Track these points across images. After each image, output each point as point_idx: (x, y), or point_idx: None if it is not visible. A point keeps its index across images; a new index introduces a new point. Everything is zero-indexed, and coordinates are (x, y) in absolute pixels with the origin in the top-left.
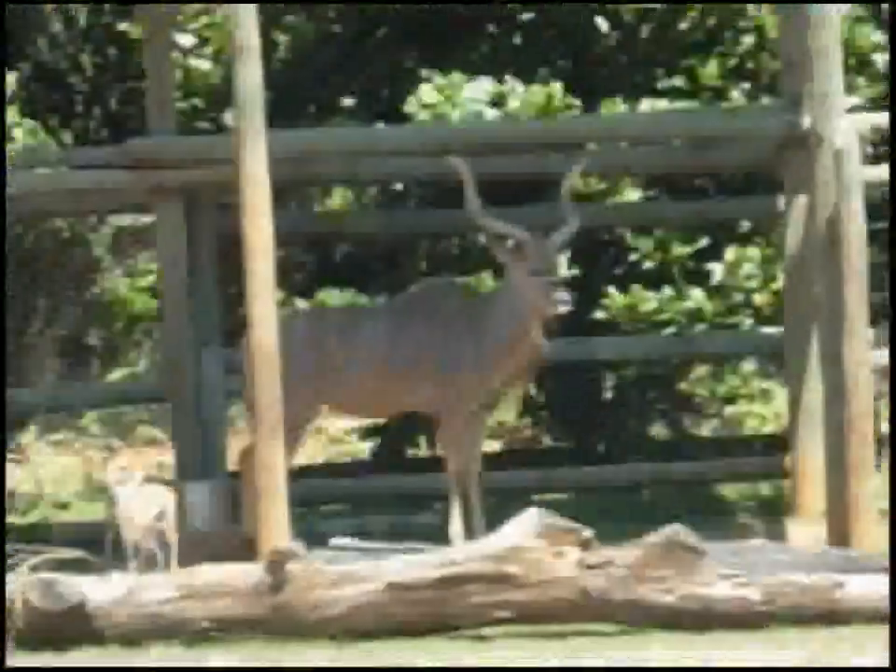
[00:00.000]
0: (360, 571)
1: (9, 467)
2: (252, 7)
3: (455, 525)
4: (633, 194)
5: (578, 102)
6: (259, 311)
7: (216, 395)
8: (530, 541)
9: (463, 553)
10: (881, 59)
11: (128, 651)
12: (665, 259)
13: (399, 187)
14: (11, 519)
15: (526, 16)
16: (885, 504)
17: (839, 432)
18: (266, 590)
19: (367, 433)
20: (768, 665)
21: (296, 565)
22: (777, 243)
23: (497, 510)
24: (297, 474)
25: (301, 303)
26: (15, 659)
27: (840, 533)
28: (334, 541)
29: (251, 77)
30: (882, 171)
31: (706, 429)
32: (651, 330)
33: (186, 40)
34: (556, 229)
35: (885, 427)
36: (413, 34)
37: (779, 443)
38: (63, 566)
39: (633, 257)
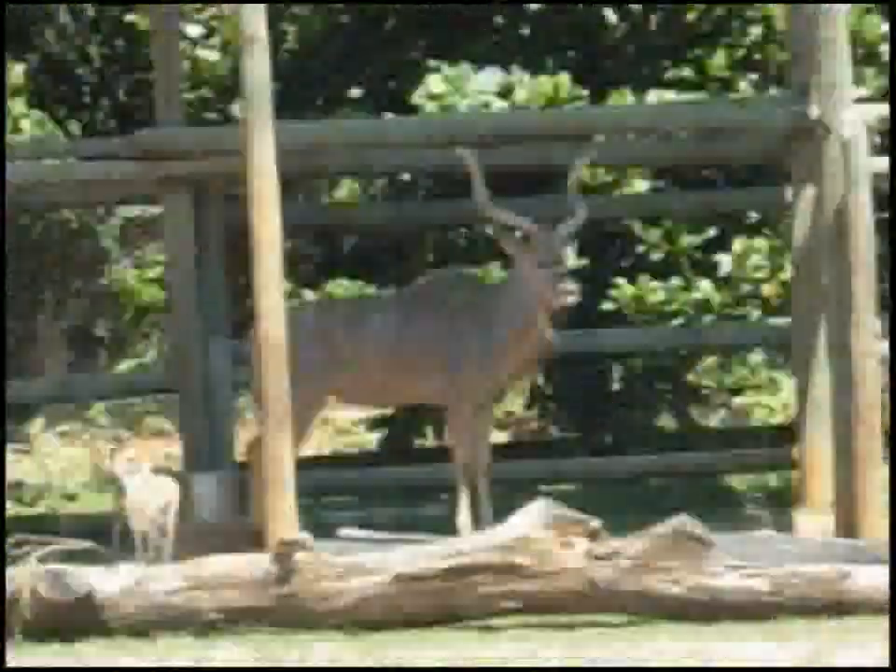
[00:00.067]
0: (368, 562)
1: (17, 458)
2: None
3: (463, 516)
4: (640, 185)
5: (585, 93)
6: (267, 303)
7: (223, 386)
8: (538, 532)
9: (470, 543)
10: (889, 50)
11: (136, 641)
12: (672, 251)
13: (406, 178)
14: (19, 510)
15: (534, 7)
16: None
17: (847, 423)
18: (273, 581)
19: (374, 424)
20: (771, 665)
21: (303, 556)
22: (784, 234)
23: (505, 500)
24: (304, 465)
25: (309, 295)
26: (23, 650)
27: (848, 524)
28: (342, 532)
29: (259, 69)
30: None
31: (713, 421)
32: (659, 322)
33: (193, 31)
34: (564, 220)
35: None
36: (420, 25)
37: (787, 434)
38: (70, 557)
39: (640, 248)
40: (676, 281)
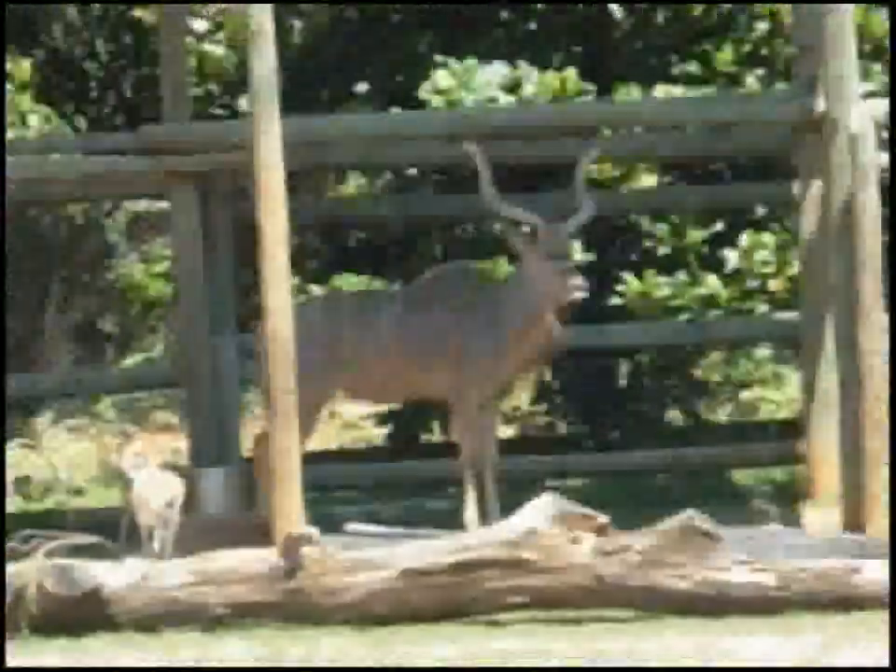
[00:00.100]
0: (375, 557)
1: (24, 452)
2: None
3: (470, 511)
4: (647, 180)
5: (592, 88)
6: (274, 297)
7: (230, 381)
8: (545, 527)
9: (477, 538)
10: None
11: (142, 636)
12: (679, 246)
13: (413, 173)
14: (26, 505)
15: (541, 2)
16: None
17: (853, 418)
18: (280, 576)
19: (381, 419)
20: (780, 659)
21: (310, 551)
22: (791, 228)
23: (512, 496)
24: (311, 460)
25: (316, 290)
26: (30, 645)
27: (855, 518)
28: (349, 527)
29: (265, 64)
30: None
31: (720, 415)
32: (666, 316)
33: (200, 26)
34: (571, 215)
35: None
36: (427, 19)
37: (794, 429)
38: (77, 551)
39: (647, 243)
40: (683, 276)
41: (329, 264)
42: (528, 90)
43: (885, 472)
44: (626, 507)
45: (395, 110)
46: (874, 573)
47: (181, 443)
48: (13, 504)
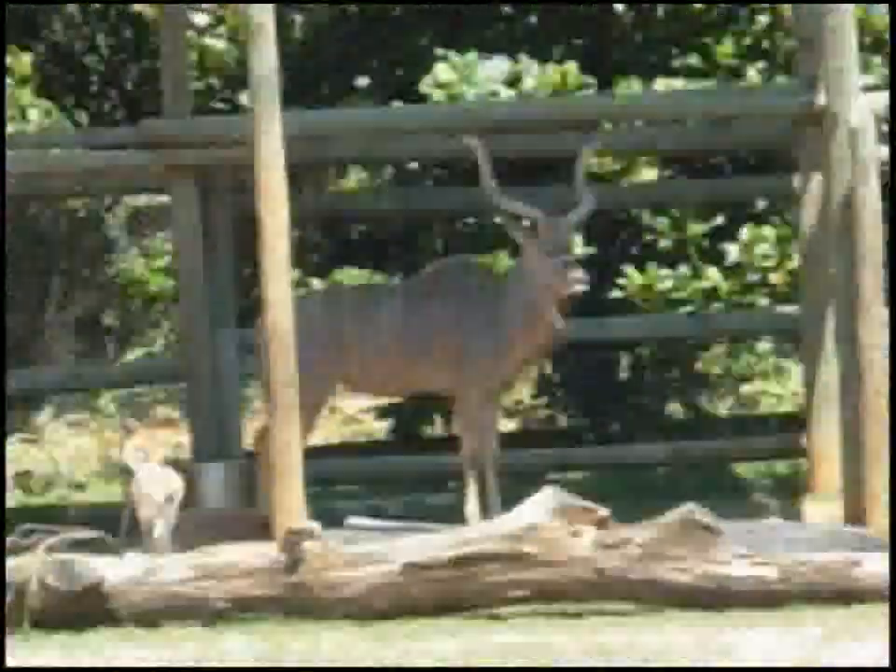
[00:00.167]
0: (376, 551)
1: (25, 447)
2: None
3: (471, 505)
4: (648, 173)
5: (593, 81)
6: (275, 292)
7: (231, 375)
8: (546, 521)
9: (479, 532)
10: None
11: (144, 631)
12: (680, 239)
13: (414, 166)
14: (27, 500)
15: None
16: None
17: (853, 412)
18: (282, 570)
19: (382, 413)
20: (781, 650)
21: (311, 545)
22: (792, 222)
23: (513, 489)
24: (312, 454)
25: (317, 284)
26: (31, 640)
27: (856, 512)
28: (350, 521)
29: (266, 58)
30: None
31: (722, 409)
32: (667, 309)
33: (201, 20)
34: (572, 209)
35: None
36: (428, 13)
37: (795, 422)
38: (78, 546)
39: (648, 236)
40: (684, 269)
41: (329, 258)
42: (529, 83)
43: (885, 466)
44: (627, 500)
45: (396, 104)
46: (874, 566)
47: (182, 438)
48: (14, 499)
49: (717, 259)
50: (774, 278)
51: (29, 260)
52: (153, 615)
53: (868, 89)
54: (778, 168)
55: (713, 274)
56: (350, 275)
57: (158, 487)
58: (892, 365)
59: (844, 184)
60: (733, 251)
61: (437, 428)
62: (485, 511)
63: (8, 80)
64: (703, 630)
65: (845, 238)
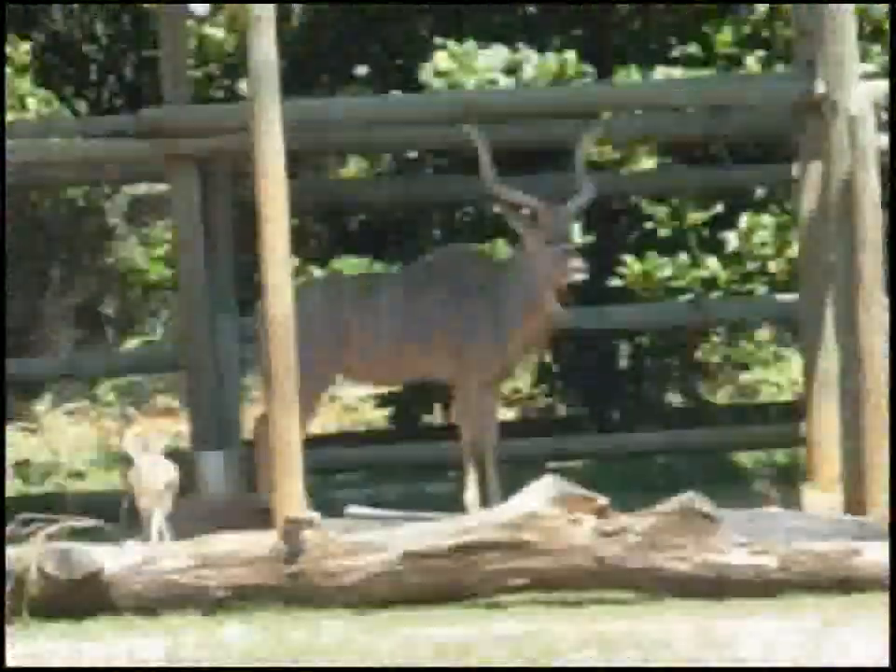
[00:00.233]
0: (375, 540)
1: (24, 435)
2: None
3: (471, 494)
4: (647, 162)
5: (592, 70)
6: (274, 281)
7: (231, 363)
8: (545, 509)
9: (478, 521)
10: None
11: (143, 619)
12: (679, 227)
13: (413, 155)
14: (26, 488)
15: None
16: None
17: (853, 399)
18: (281, 559)
19: (381, 401)
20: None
21: (311, 534)
22: (791, 210)
23: (513, 478)
24: (311, 443)
25: (317, 272)
26: (30, 628)
27: (856, 501)
28: (349, 510)
29: (265, 48)
30: None
31: (721, 397)
32: (667, 298)
33: (200, 8)
34: (571, 197)
35: None
36: (426, 2)
37: (795, 411)
38: (77, 535)
39: (648, 224)
40: (683, 257)
41: (329, 246)
42: (528, 72)
43: (885, 454)
44: (626, 489)
45: (395, 93)
46: (874, 555)
47: (181, 426)
48: (13, 487)
49: (716, 247)
50: (773, 266)
51: (28, 249)
52: (152, 604)
53: (867, 77)
54: (778, 156)
55: (712, 263)
56: (349, 264)
57: (157, 476)
58: (892, 353)
59: (843, 172)
60: (732, 239)
61: (436, 417)
62: (485, 500)
63: (7, 69)
64: (702, 619)
65: (844, 226)
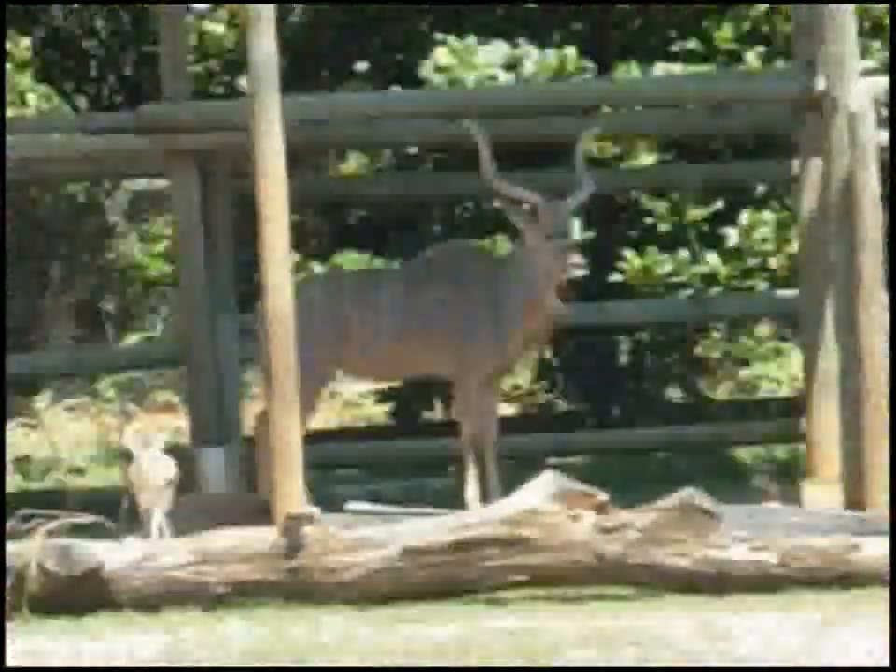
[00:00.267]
0: (376, 536)
1: (25, 432)
2: None
3: (471, 490)
4: (648, 158)
5: (592, 65)
6: (274, 277)
7: (231, 360)
8: (545, 505)
9: (478, 517)
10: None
11: (143, 616)
12: (679, 223)
13: (413, 151)
14: (26, 484)
15: None
16: None
17: (853, 396)
18: (281, 555)
19: (382, 397)
20: (781, 633)
21: (311, 530)
22: (791, 206)
23: (513, 474)
24: (312, 438)
25: (317, 267)
26: (30, 624)
27: (855, 496)
28: (349, 506)
29: (265, 45)
30: None
31: (721, 393)
32: (667, 294)
33: (200, 4)
34: (571, 193)
35: None
36: (428, 1)
37: (795, 407)
38: (78, 531)
39: (648, 220)
40: (683, 253)
41: (329, 242)
42: (528, 68)
43: (885, 450)
44: (627, 485)
45: (395, 89)
46: (874, 550)
47: (182, 423)
48: (13, 484)
49: (716, 243)
50: (773, 262)
51: (28, 245)
52: (153, 600)
53: (867, 73)
54: (778, 152)
55: (712, 259)
56: (350, 259)
57: (158, 472)
58: (892, 350)
59: (843, 168)
60: (732, 235)
61: (437, 413)
62: (485, 496)
63: (8, 65)
64: (702, 614)
65: (844, 222)
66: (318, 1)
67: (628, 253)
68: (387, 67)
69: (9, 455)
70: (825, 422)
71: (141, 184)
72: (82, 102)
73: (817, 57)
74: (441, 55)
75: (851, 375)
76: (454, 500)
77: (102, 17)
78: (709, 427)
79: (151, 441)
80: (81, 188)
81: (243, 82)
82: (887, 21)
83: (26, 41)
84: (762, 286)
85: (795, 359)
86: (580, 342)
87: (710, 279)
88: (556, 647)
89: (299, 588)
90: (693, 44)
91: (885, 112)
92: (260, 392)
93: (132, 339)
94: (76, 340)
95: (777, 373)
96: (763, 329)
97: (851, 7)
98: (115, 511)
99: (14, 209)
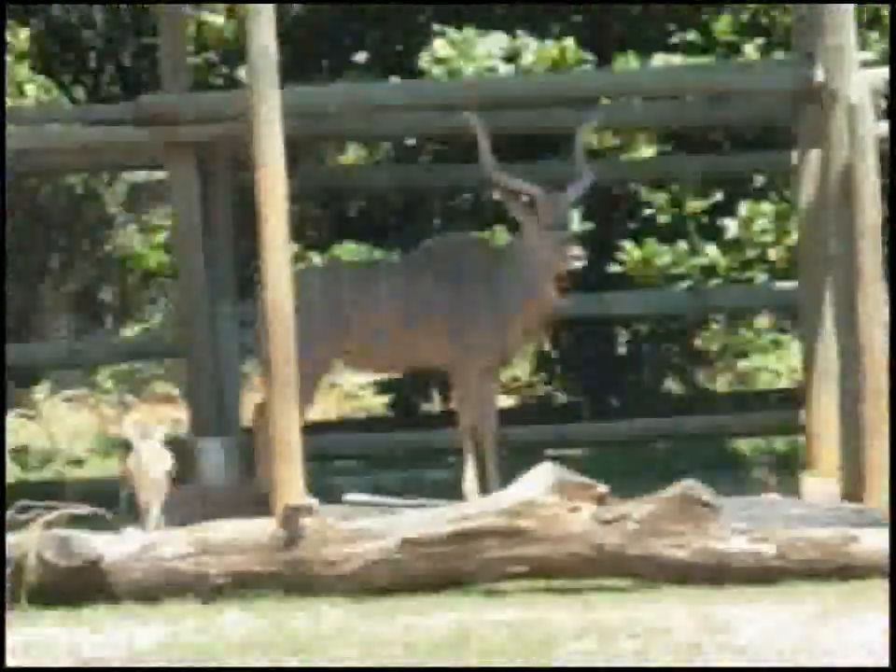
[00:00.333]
0: (374, 527)
1: (23, 423)
2: None
3: (469, 481)
4: (647, 149)
5: (591, 57)
6: (273, 269)
7: (230, 351)
8: (544, 496)
9: (477, 508)
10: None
11: (142, 607)
12: (679, 214)
13: (412, 142)
14: (25, 475)
15: None
16: None
17: (853, 388)
18: (280, 546)
19: (381, 388)
20: (781, 626)
21: (310, 521)
22: (790, 198)
23: (512, 465)
24: (311, 430)
25: (316, 258)
26: (28, 615)
27: (854, 488)
28: (348, 497)
29: (264, 36)
30: None
31: (720, 384)
32: (666, 285)
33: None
34: (570, 184)
35: None
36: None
37: (794, 398)
38: (76, 522)
39: (647, 212)
40: (682, 245)
41: (328, 233)
42: (527, 59)
43: (884, 442)
44: (625, 476)
45: (394, 80)
46: (872, 542)
47: (181, 414)
48: (12, 474)
49: (715, 234)
50: (772, 254)
51: (27, 236)
52: (152, 591)
53: (866, 64)
54: (777, 144)
55: (712, 250)
56: (349, 250)
57: (156, 463)
58: (892, 341)
59: (842, 160)
60: (731, 227)
61: (435, 404)
62: (484, 487)
63: (7, 56)
64: (701, 606)
65: (843, 214)
66: (319, 1)
67: (627, 244)
68: (387, 58)
69: (8, 446)
70: (824, 414)
71: (140, 175)
72: (81, 93)
73: (816, 49)
74: (441, 46)
75: (851, 365)
76: (452, 491)
77: (100, 8)
78: (708, 419)
79: (151, 432)
80: (80, 179)
81: (242, 73)
82: (885, 12)
83: (25, 32)
84: (761, 277)
85: (794, 351)
86: (579, 333)
87: (709, 271)
88: (555, 638)
89: (298, 579)
90: (692, 35)
91: (884, 103)
92: (260, 382)
93: (131, 330)
94: (74, 330)
95: (777, 365)
96: (763, 320)
97: (850, 6)
98: (114, 501)
99: (13, 201)
